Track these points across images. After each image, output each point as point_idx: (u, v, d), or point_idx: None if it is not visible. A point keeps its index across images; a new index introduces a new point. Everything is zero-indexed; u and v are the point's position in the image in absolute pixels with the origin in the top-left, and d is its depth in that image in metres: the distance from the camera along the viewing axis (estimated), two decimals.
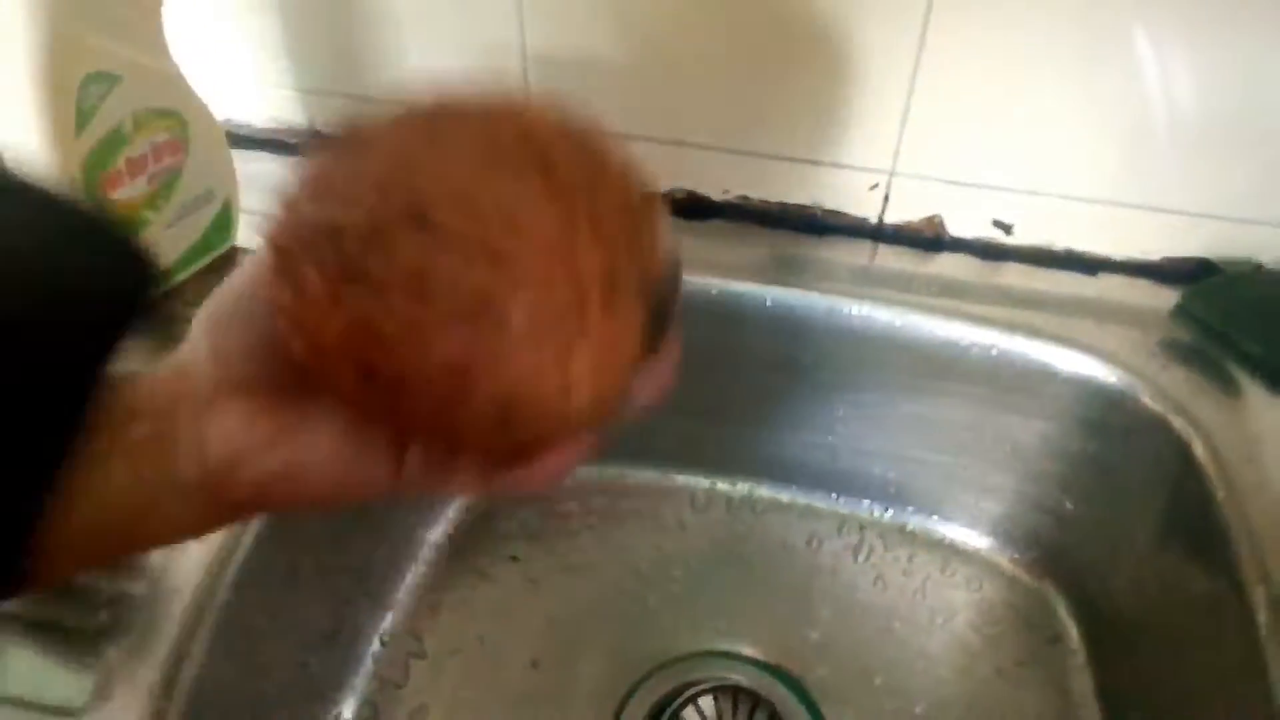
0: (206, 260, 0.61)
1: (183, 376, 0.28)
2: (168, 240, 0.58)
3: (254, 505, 0.29)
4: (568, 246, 0.26)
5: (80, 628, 0.45)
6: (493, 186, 0.25)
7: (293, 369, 0.26)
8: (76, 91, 0.49)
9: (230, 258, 0.62)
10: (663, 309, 0.30)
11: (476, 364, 0.25)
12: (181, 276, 0.60)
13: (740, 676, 0.63)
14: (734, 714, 0.62)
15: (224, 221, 0.61)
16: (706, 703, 0.63)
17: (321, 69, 0.66)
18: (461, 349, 0.25)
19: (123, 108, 0.52)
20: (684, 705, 0.62)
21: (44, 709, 0.42)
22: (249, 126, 0.69)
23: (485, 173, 0.26)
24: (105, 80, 0.50)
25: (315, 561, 0.55)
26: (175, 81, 0.54)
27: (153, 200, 0.56)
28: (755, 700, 0.62)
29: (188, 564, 0.47)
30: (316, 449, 0.28)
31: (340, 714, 0.59)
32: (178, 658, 0.44)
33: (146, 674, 0.43)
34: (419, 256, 0.24)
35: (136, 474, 0.27)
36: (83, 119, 0.50)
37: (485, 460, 0.29)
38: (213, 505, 0.28)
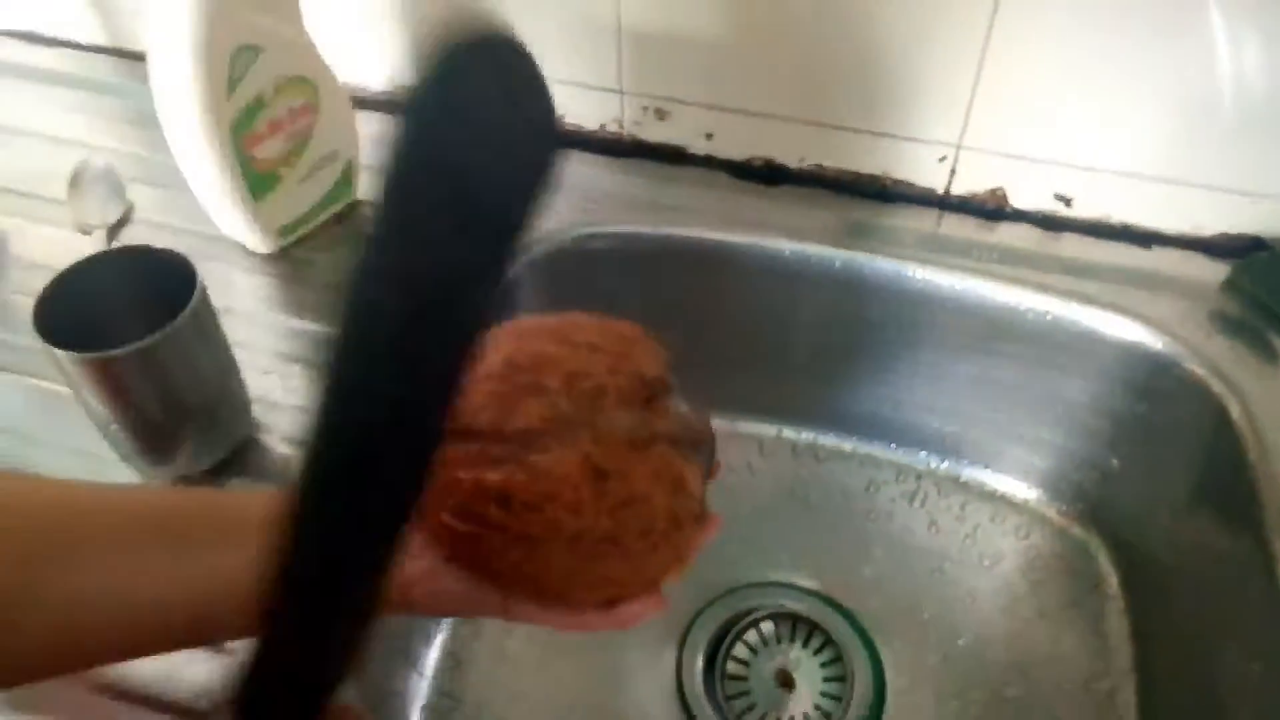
0: (331, 213, 0.68)
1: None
2: (299, 193, 0.65)
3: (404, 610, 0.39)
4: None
5: None
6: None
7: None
8: (229, 61, 0.56)
9: (353, 209, 0.69)
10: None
11: (607, 571, 0.36)
12: (309, 227, 0.67)
13: (798, 606, 0.69)
14: (791, 639, 0.68)
15: (347, 178, 0.68)
16: (766, 627, 0.69)
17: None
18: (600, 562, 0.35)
19: (265, 75, 0.58)
20: (745, 629, 0.69)
21: None
22: (367, 89, 0.75)
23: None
24: (252, 51, 0.57)
25: None
26: (309, 51, 0.61)
27: (287, 158, 0.62)
28: (812, 627, 0.68)
29: None
30: (451, 588, 0.37)
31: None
32: None
33: None
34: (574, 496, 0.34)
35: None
36: (232, 85, 0.57)
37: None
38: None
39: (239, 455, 0.55)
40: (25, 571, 0.32)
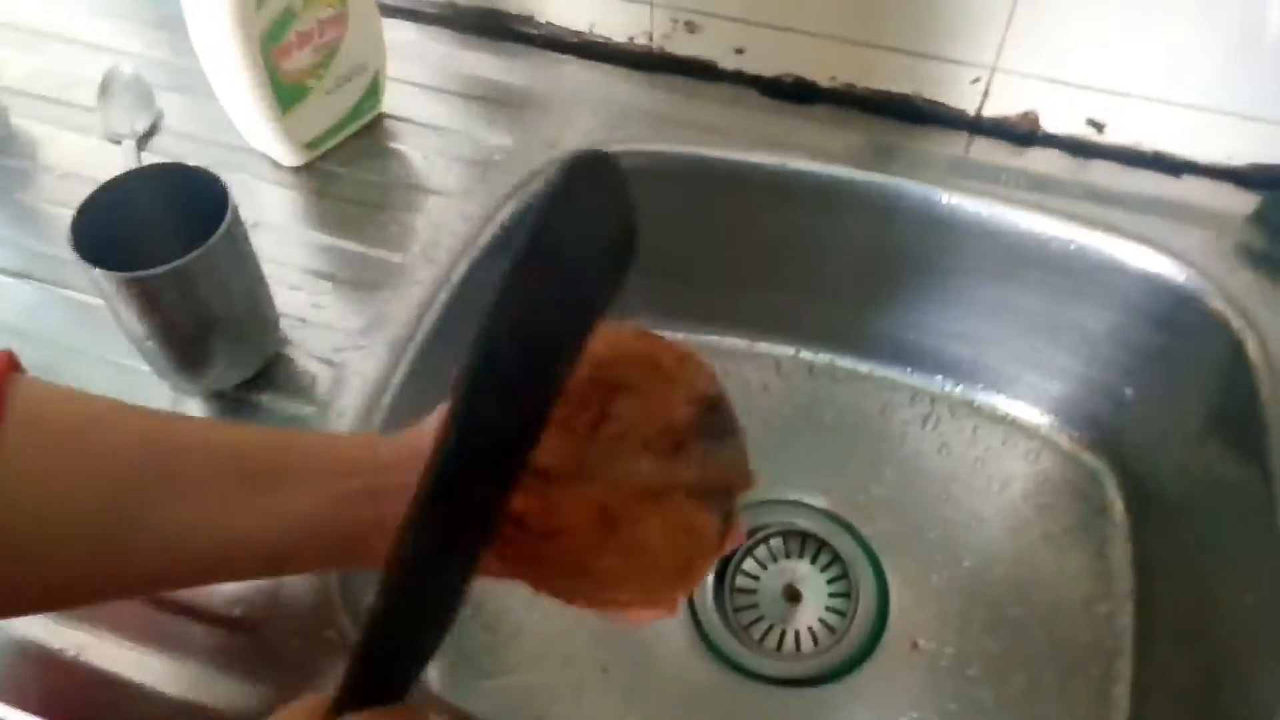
0: (359, 124, 0.68)
1: (413, 449, 0.38)
2: (327, 106, 0.65)
3: None
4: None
5: None
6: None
7: None
8: None
9: (378, 122, 0.69)
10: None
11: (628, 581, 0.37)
12: (337, 139, 0.67)
13: (807, 523, 0.71)
14: (800, 555, 0.71)
15: (374, 90, 0.67)
16: (775, 543, 0.71)
17: None
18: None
19: None
20: (755, 545, 0.71)
21: None
22: None
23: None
24: None
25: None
26: None
27: (315, 70, 0.62)
28: (820, 544, 0.71)
29: (348, 395, 0.56)
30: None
31: None
32: None
33: None
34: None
35: (360, 515, 0.37)
36: None
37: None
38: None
39: (267, 370, 0.57)
40: (125, 504, 0.35)
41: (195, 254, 0.48)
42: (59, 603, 0.41)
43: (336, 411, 0.55)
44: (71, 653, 0.46)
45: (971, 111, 0.67)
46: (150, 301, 0.49)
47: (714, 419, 0.39)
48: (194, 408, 0.56)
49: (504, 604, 0.67)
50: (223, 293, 0.51)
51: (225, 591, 0.49)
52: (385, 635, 0.28)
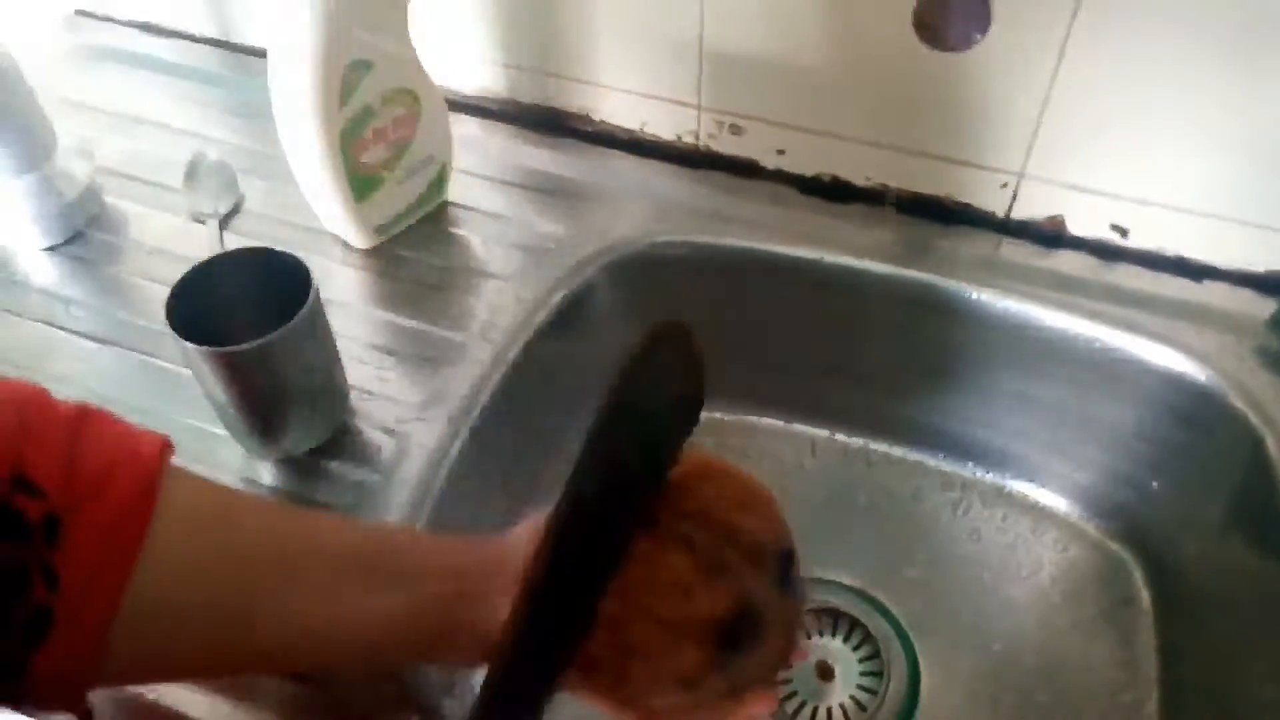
0: (425, 211, 0.73)
1: (501, 560, 0.42)
2: (396, 195, 0.70)
3: None
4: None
5: (336, 504, 0.58)
6: None
7: None
8: (341, 75, 0.61)
9: (442, 210, 0.74)
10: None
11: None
12: (405, 225, 0.72)
13: (840, 601, 0.73)
14: (833, 633, 0.73)
15: (440, 180, 0.73)
16: (809, 620, 0.73)
17: (524, 47, 0.76)
18: None
19: (374, 88, 0.63)
20: None
21: None
22: (459, 94, 0.80)
23: None
24: (363, 66, 0.62)
25: (503, 471, 0.68)
26: (414, 65, 0.66)
27: (389, 163, 0.67)
28: (853, 623, 0.73)
29: (409, 464, 0.60)
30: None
31: None
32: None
33: None
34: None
35: (454, 617, 0.41)
36: (345, 97, 0.62)
37: None
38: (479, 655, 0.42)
39: (336, 438, 0.61)
40: (252, 595, 0.39)
41: (279, 332, 0.52)
42: (179, 676, 0.46)
43: (398, 480, 0.59)
44: (151, 696, 0.49)
45: (1000, 214, 0.71)
46: (235, 373, 0.53)
47: (782, 564, 0.45)
48: (266, 472, 0.60)
49: None
50: (301, 367, 0.55)
51: None
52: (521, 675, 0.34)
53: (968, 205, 0.72)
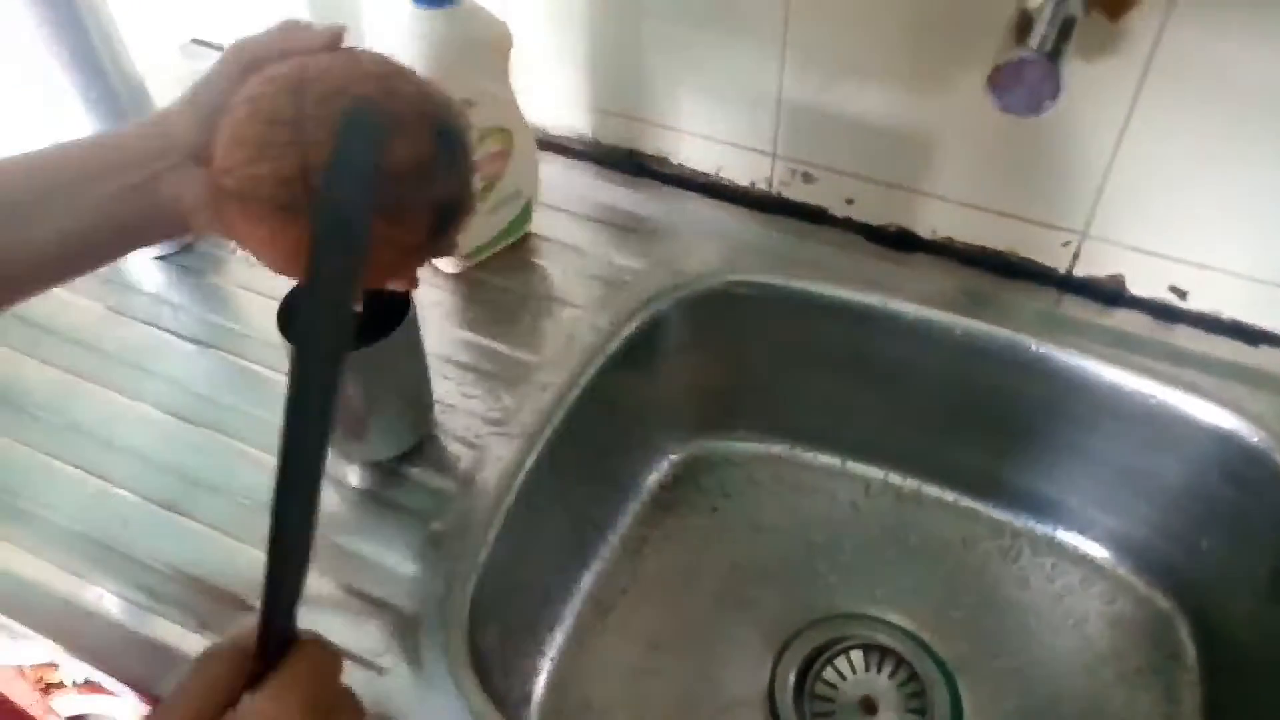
0: (508, 242, 0.78)
1: (164, 135, 0.46)
2: (485, 225, 0.74)
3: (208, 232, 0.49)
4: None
5: (416, 508, 0.62)
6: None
7: None
8: None
9: (526, 240, 0.79)
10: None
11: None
12: (490, 252, 0.77)
13: (888, 639, 0.75)
14: (879, 669, 0.74)
15: (525, 213, 0.77)
16: (856, 655, 0.75)
17: (610, 92, 0.81)
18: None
19: (474, 124, 0.68)
20: (837, 655, 0.75)
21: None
22: (547, 133, 0.85)
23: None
24: (466, 105, 0.67)
25: (570, 490, 0.71)
26: (512, 105, 0.70)
27: (480, 195, 0.72)
28: (899, 661, 0.74)
29: (485, 475, 0.63)
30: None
31: (579, 589, 0.75)
32: (476, 541, 0.61)
33: (455, 547, 0.60)
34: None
35: (136, 206, 0.46)
36: None
37: None
38: (179, 229, 0.48)
39: (420, 448, 0.65)
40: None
41: (382, 343, 0.56)
42: None
43: (477, 489, 0.63)
44: None
45: (1062, 270, 0.74)
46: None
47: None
48: (352, 474, 0.64)
49: (590, 686, 0.72)
50: (397, 378, 0.59)
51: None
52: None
53: (1030, 260, 0.74)
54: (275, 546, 0.34)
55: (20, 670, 1.07)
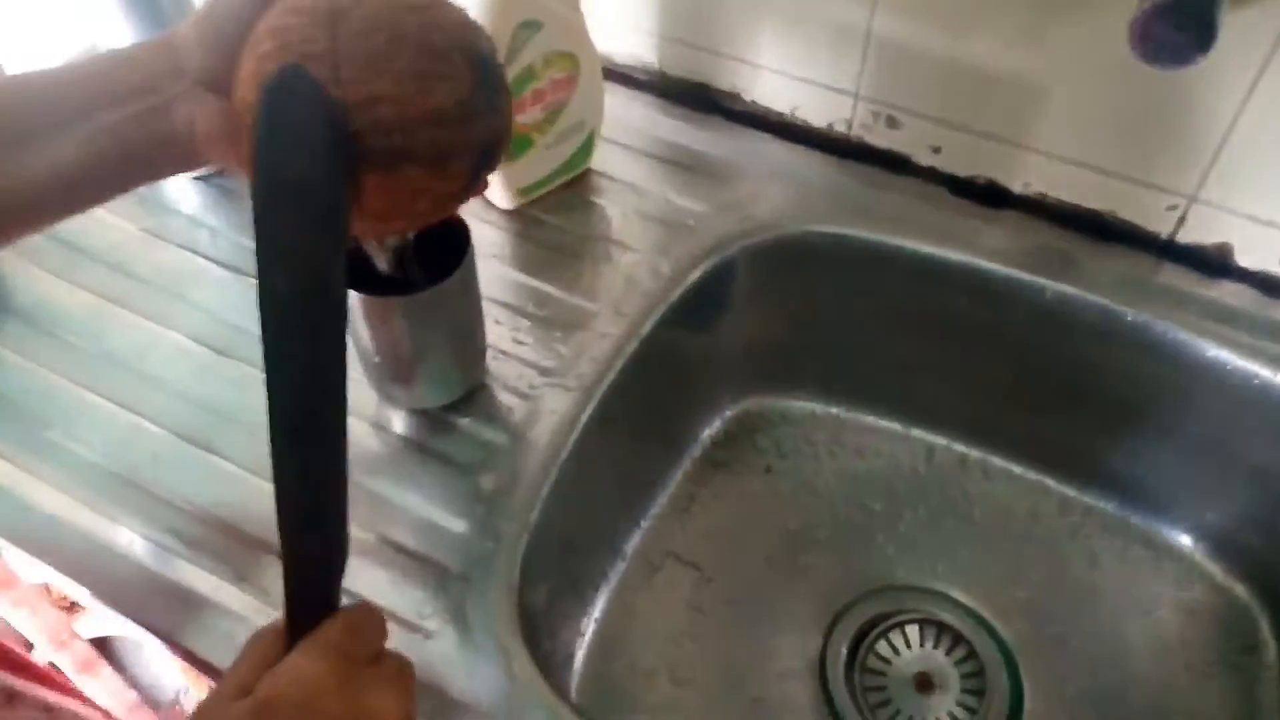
0: (567, 178, 0.73)
1: (173, 57, 0.41)
2: (544, 159, 0.69)
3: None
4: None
5: (464, 461, 0.58)
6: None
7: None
8: (510, 34, 0.61)
9: (585, 176, 0.74)
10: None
11: None
12: (546, 189, 0.72)
13: (947, 615, 0.72)
14: (936, 646, 0.71)
15: (587, 147, 0.72)
16: (912, 631, 0.72)
17: (680, 19, 0.75)
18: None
19: (538, 49, 0.63)
20: (892, 629, 0.72)
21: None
22: (609, 60, 0.79)
23: None
24: (531, 27, 0.61)
25: (623, 445, 0.67)
26: (579, 29, 0.65)
27: (541, 126, 0.67)
28: (957, 638, 0.71)
29: (539, 429, 0.60)
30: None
31: (625, 549, 0.72)
32: (528, 500, 0.57)
33: (505, 505, 0.57)
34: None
35: (143, 134, 0.41)
36: (509, 56, 0.62)
37: None
38: (190, 159, 0.43)
39: (470, 396, 0.61)
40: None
41: (437, 288, 0.52)
42: None
43: (529, 442, 0.59)
44: None
45: (1164, 235, 0.68)
46: (390, 323, 0.53)
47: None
48: (398, 420, 0.60)
49: (638, 651, 0.69)
50: (450, 324, 0.55)
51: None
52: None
53: (1130, 223, 0.69)
54: (282, 513, 0.34)
55: (46, 588, 1.06)
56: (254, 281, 0.35)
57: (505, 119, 0.43)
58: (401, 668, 0.39)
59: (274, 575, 0.53)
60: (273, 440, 0.34)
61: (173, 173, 0.45)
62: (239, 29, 0.40)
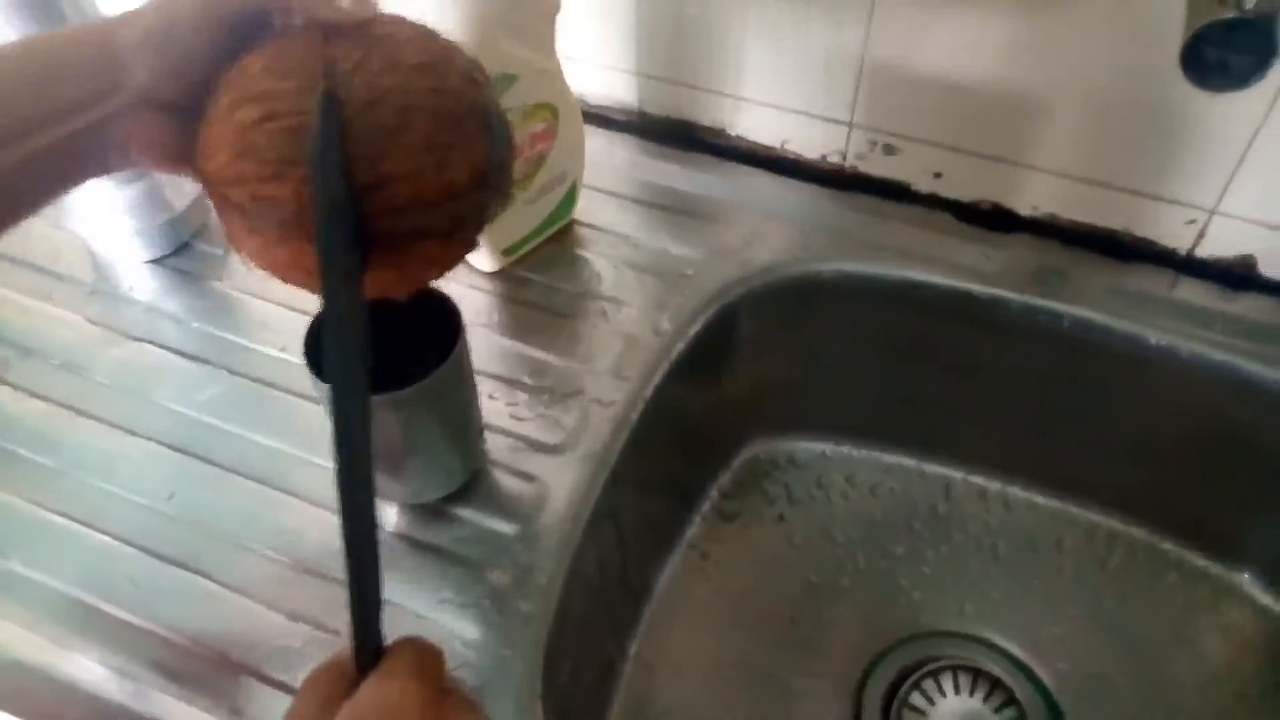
0: (551, 231, 0.68)
1: (112, 67, 0.37)
2: (527, 215, 0.65)
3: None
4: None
5: (470, 556, 0.54)
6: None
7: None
8: None
9: (568, 228, 0.69)
10: None
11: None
12: (531, 245, 0.67)
13: (982, 660, 0.68)
14: (972, 693, 0.68)
15: (570, 198, 0.67)
16: (946, 679, 0.68)
17: (656, 54, 0.71)
18: None
19: (515, 103, 0.58)
20: (924, 678, 0.68)
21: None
22: (583, 102, 0.74)
23: None
24: (508, 80, 0.57)
25: (634, 513, 0.63)
26: (557, 79, 0.61)
27: (523, 182, 0.62)
28: (994, 683, 0.67)
29: (547, 514, 0.55)
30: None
31: (642, 616, 0.68)
32: (545, 596, 0.53)
33: (520, 603, 0.52)
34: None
35: (69, 152, 0.38)
36: None
37: None
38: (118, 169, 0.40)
39: (470, 484, 0.56)
40: None
41: (428, 380, 0.47)
42: None
43: (538, 531, 0.54)
44: None
45: (1183, 251, 0.65)
46: (378, 416, 0.48)
47: None
48: (394, 516, 0.55)
49: (667, 704, 0.65)
50: (444, 413, 0.51)
51: None
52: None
53: (1146, 240, 0.66)
54: (350, 558, 0.33)
55: None
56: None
57: (510, 178, 0.40)
58: (471, 697, 0.37)
59: (269, 705, 0.49)
60: (341, 491, 0.34)
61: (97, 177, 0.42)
62: (200, 52, 0.37)
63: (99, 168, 0.39)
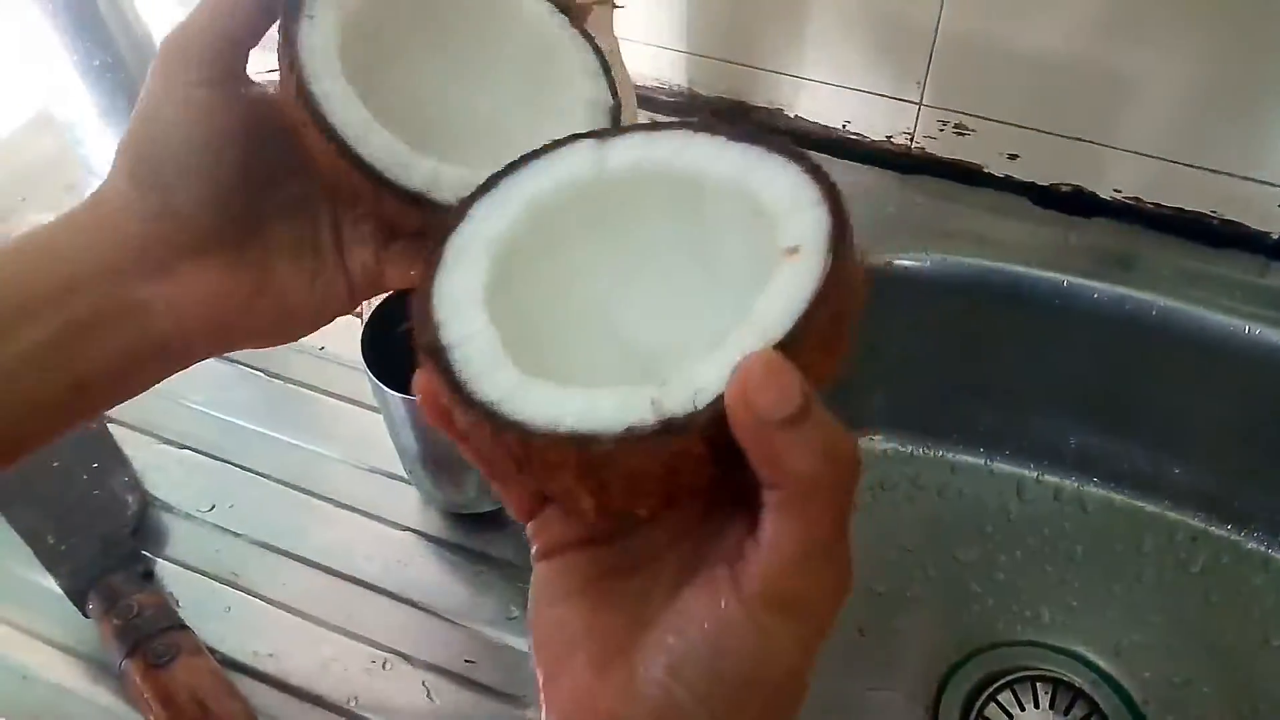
0: None
1: (117, 239, 0.28)
2: None
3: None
4: None
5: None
6: None
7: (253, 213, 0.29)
8: None
9: None
10: None
11: None
12: None
13: (1062, 669, 0.64)
14: (1052, 706, 0.64)
15: None
16: (1024, 691, 0.64)
17: (708, 33, 0.67)
18: None
19: None
20: (1001, 690, 0.64)
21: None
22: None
23: None
24: None
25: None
26: (616, 57, 0.57)
27: None
28: (1075, 694, 0.64)
29: None
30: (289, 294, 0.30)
31: None
32: None
33: None
34: None
35: (112, 346, 0.28)
36: None
37: None
38: (192, 358, 0.30)
39: None
40: None
41: None
42: None
43: None
44: None
45: (1275, 235, 0.61)
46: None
47: None
48: (447, 527, 0.52)
49: None
50: None
51: None
52: None
53: (1235, 223, 0.62)
54: None
55: None
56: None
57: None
58: None
59: None
60: None
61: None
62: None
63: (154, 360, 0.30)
